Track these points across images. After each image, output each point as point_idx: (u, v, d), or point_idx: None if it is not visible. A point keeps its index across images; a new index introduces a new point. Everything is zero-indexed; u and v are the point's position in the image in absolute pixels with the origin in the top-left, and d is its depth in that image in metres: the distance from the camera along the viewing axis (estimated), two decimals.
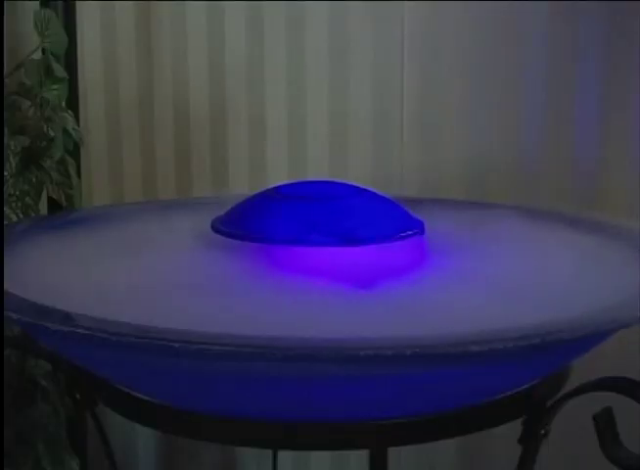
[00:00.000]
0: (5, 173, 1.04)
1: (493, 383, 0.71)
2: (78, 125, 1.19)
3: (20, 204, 1.06)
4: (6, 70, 1.14)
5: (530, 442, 0.76)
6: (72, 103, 1.22)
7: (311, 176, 0.90)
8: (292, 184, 0.85)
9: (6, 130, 1.06)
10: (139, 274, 0.83)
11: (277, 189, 0.85)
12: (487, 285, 0.78)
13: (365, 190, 0.85)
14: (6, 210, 1.05)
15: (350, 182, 0.86)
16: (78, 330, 0.63)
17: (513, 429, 0.77)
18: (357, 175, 1.19)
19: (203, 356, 0.61)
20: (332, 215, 0.80)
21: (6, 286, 0.72)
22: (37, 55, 1.12)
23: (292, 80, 1.24)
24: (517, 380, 0.73)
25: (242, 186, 1.27)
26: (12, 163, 1.05)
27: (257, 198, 0.85)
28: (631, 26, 1.06)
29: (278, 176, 1.21)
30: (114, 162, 1.40)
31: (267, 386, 0.65)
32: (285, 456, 1.26)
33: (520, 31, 1.12)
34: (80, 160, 1.25)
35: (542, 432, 0.76)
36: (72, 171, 1.15)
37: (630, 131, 1.07)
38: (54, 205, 1.16)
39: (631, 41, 1.06)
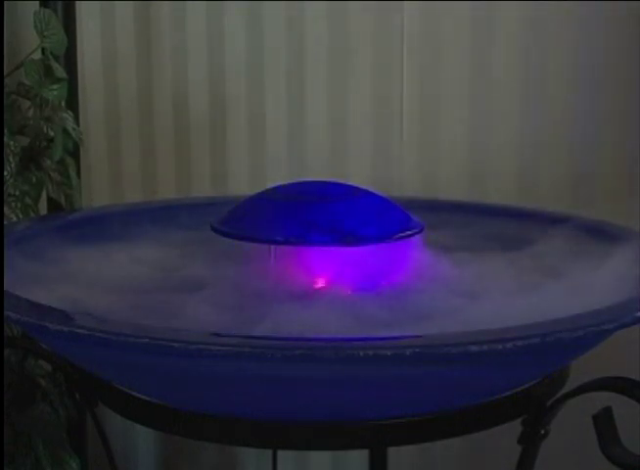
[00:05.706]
0: (5, 173, 1.04)
1: (493, 383, 0.71)
2: (78, 125, 1.19)
3: (20, 204, 1.06)
4: (6, 70, 1.14)
5: (530, 442, 0.76)
6: (72, 103, 1.22)
7: (311, 176, 0.89)
8: (291, 184, 0.85)
9: (6, 130, 1.06)
10: (139, 274, 0.83)
11: (276, 189, 0.85)
12: (486, 285, 0.78)
13: (365, 190, 0.84)
14: (6, 210, 1.04)
15: (350, 182, 0.86)
16: (78, 330, 0.63)
17: (513, 429, 0.77)
18: (357, 175, 1.19)
19: (202, 356, 0.61)
20: (332, 215, 0.80)
21: (6, 286, 0.72)
22: (37, 55, 1.12)
23: (292, 80, 1.24)
24: (517, 380, 0.73)
25: (241, 186, 1.27)
26: (12, 163, 1.04)
27: (257, 198, 0.85)
28: None
29: (278, 177, 1.21)
30: (114, 162, 1.40)
31: (267, 386, 0.65)
32: (285, 456, 1.26)
33: (519, 31, 1.12)
34: (80, 160, 1.25)
35: (542, 432, 0.76)
36: (72, 171, 1.14)
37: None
38: (54, 205, 1.16)
39: None
